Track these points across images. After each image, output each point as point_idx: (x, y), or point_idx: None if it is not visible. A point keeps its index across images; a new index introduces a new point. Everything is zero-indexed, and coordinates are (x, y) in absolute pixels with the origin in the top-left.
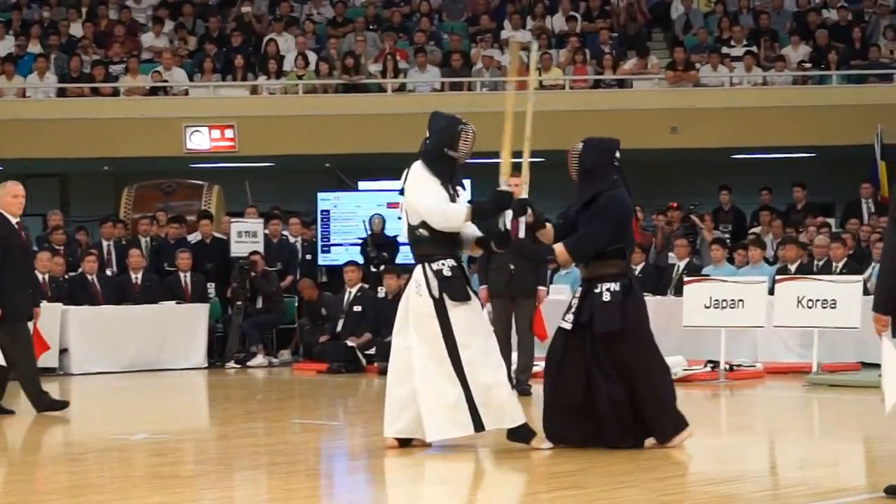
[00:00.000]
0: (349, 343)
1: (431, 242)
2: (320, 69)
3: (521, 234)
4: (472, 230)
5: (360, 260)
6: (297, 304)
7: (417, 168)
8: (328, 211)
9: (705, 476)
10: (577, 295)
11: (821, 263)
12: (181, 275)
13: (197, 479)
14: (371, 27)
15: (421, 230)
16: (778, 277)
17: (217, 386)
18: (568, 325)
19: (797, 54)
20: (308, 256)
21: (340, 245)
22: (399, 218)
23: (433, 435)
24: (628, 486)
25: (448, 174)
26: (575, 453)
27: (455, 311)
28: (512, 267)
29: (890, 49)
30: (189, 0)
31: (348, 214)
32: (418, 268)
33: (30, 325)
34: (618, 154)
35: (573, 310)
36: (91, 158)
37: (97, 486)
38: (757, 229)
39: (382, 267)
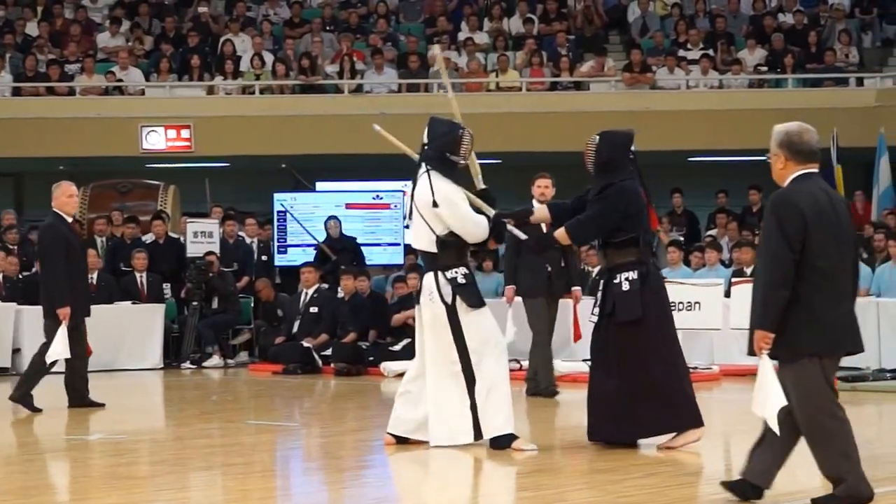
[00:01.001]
0: (305, 344)
1: (452, 251)
2: (277, 70)
3: (522, 236)
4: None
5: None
6: (252, 305)
7: (438, 179)
8: (285, 212)
9: (661, 478)
10: (600, 287)
11: None
12: (137, 275)
13: (153, 479)
14: (328, 28)
15: (450, 239)
16: (734, 280)
17: (173, 386)
18: (595, 319)
19: (753, 58)
20: (263, 258)
21: (297, 246)
22: (406, 226)
23: (437, 440)
24: (585, 487)
25: (456, 178)
26: (534, 454)
27: (467, 317)
28: (549, 268)
29: (845, 53)
30: (145, 0)
31: (305, 215)
32: (429, 276)
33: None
34: (633, 147)
35: (598, 303)
36: (46, 158)
37: (53, 486)
38: (713, 232)
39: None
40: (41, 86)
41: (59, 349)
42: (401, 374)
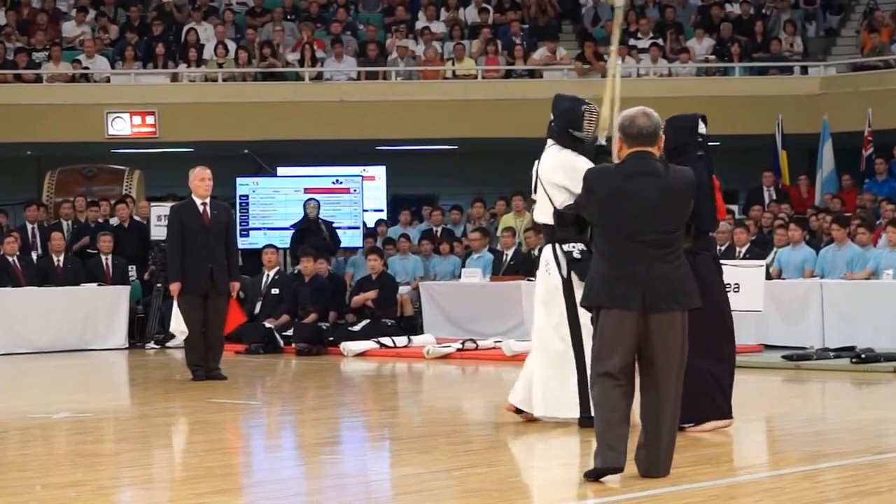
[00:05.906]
0: (267, 324)
1: (571, 225)
2: (239, 57)
3: None
4: None
5: (279, 244)
6: None
7: (555, 149)
8: (247, 196)
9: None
10: None
11: (723, 248)
12: (102, 257)
13: (117, 456)
14: (289, 17)
15: (568, 212)
16: None
17: (137, 366)
18: None
19: (701, 47)
20: None
21: (259, 229)
22: (534, 201)
23: (541, 410)
24: (542, 468)
25: (581, 153)
26: (489, 431)
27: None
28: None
29: (790, 42)
30: None
31: (267, 199)
32: (547, 248)
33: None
34: (702, 129)
35: None
36: (14, 143)
37: (18, 463)
38: None
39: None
40: (9, 73)
41: (173, 324)
42: (360, 354)
